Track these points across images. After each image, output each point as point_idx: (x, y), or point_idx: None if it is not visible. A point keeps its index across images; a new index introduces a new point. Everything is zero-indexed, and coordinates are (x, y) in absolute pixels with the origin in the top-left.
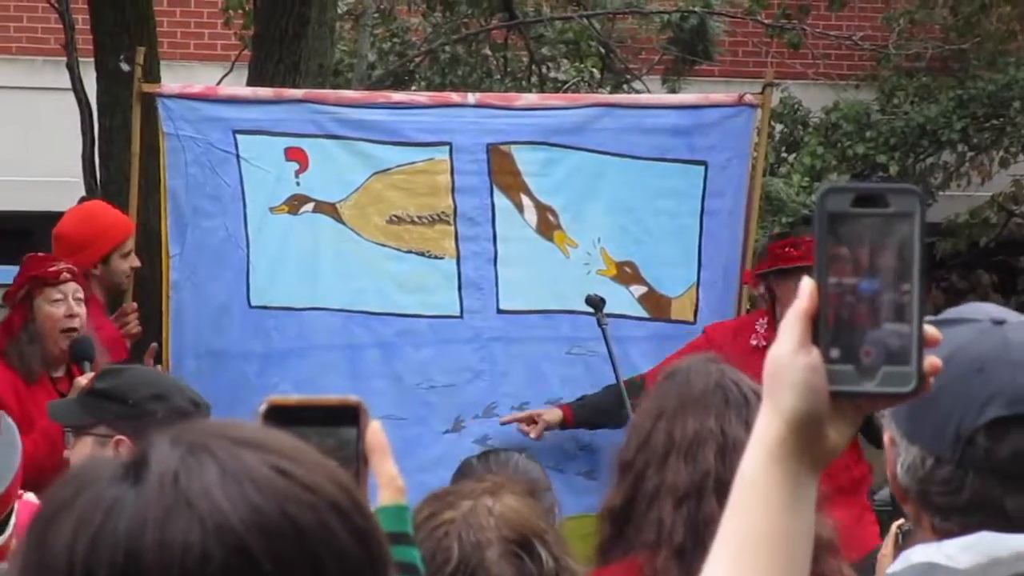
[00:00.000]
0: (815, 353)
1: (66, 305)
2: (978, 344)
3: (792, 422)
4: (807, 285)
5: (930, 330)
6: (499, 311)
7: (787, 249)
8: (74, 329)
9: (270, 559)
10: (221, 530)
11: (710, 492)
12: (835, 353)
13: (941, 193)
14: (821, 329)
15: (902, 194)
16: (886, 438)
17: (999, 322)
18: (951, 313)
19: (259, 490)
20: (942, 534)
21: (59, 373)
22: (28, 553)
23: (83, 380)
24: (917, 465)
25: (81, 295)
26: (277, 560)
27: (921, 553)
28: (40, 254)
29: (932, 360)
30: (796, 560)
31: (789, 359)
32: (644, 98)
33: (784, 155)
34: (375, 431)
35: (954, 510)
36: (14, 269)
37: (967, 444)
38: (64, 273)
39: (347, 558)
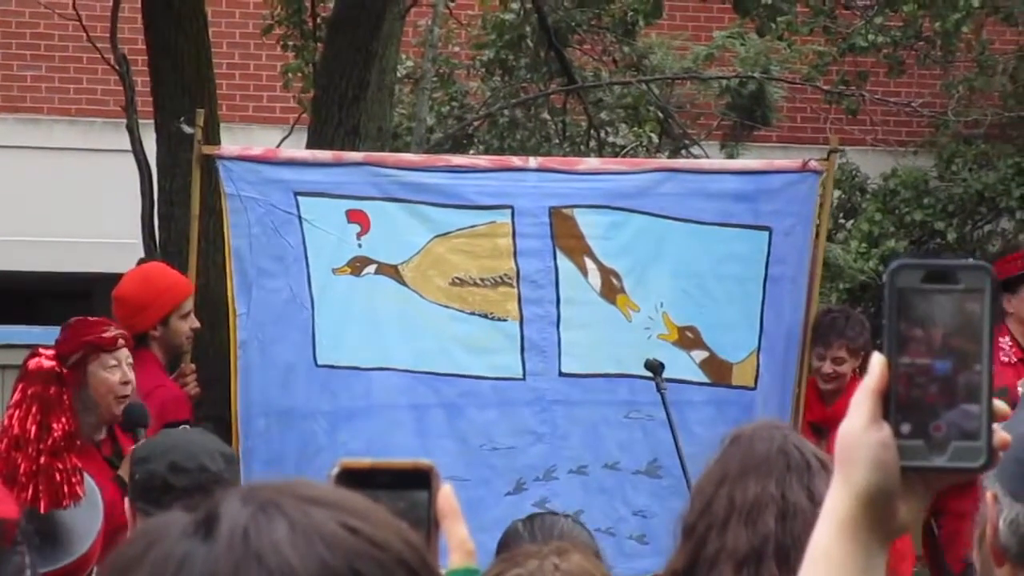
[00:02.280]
0: (886, 429)
1: (120, 372)
2: None
3: (863, 496)
4: (878, 362)
5: (999, 405)
6: (561, 374)
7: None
8: (127, 396)
9: (408, 547)
10: (344, 517)
11: (770, 557)
12: (906, 429)
13: (998, 259)
14: (892, 405)
15: (972, 271)
16: (988, 496)
17: None
18: None
19: (328, 546)
20: None
21: (101, 436)
22: None
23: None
24: (1016, 527)
25: (131, 361)
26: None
27: None
28: (90, 318)
29: (1002, 435)
30: None
31: (861, 435)
32: (707, 163)
33: (842, 221)
34: (447, 495)
35: None
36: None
37: None
38: (119, 339)
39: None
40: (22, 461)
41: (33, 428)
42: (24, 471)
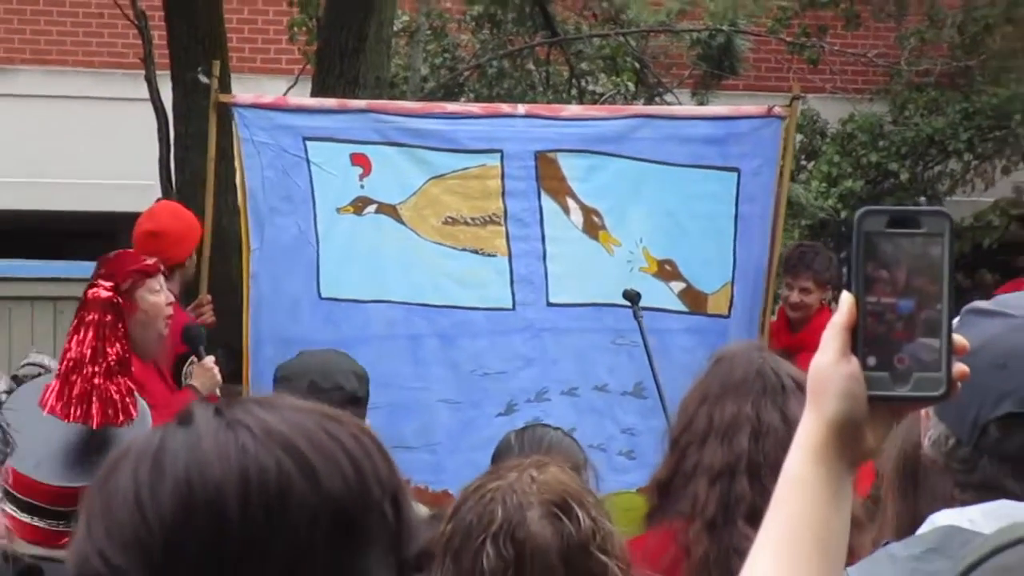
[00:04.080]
0: (854, 362)
1: (164, 294)
2: (1006, 340)
3: (834, 424)
4: (846, 300)
5: (958, 339)
6: (548, 304)
7: None
8: (171, 316)
9: (325, 468)
10: (271, 434)
11: (742, 472)
12: (872, 362)
13: (948, 198)
14: (859, 341)
15: (933, 216)
16: (922, 414)
17: None
18: (992, 304)
19: (297, 411)
20: (961, 503)
21: (156, 355)
22: (91, 504)
23: (211, 361)
24: (942, 441)
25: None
26: (332, 470)
27: (944, 517)
28: (124, 251)
29: (960, 367)
30: (833, 549)
31: (831, 368)
32: (679, 109)
33: (804, 163)
34: None
35: (969, 486)
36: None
37: (982, 432)
38: (159, 266)
39: (377, 470)
40: (78, 382)
41: (89, 352)
42: (79, 391)
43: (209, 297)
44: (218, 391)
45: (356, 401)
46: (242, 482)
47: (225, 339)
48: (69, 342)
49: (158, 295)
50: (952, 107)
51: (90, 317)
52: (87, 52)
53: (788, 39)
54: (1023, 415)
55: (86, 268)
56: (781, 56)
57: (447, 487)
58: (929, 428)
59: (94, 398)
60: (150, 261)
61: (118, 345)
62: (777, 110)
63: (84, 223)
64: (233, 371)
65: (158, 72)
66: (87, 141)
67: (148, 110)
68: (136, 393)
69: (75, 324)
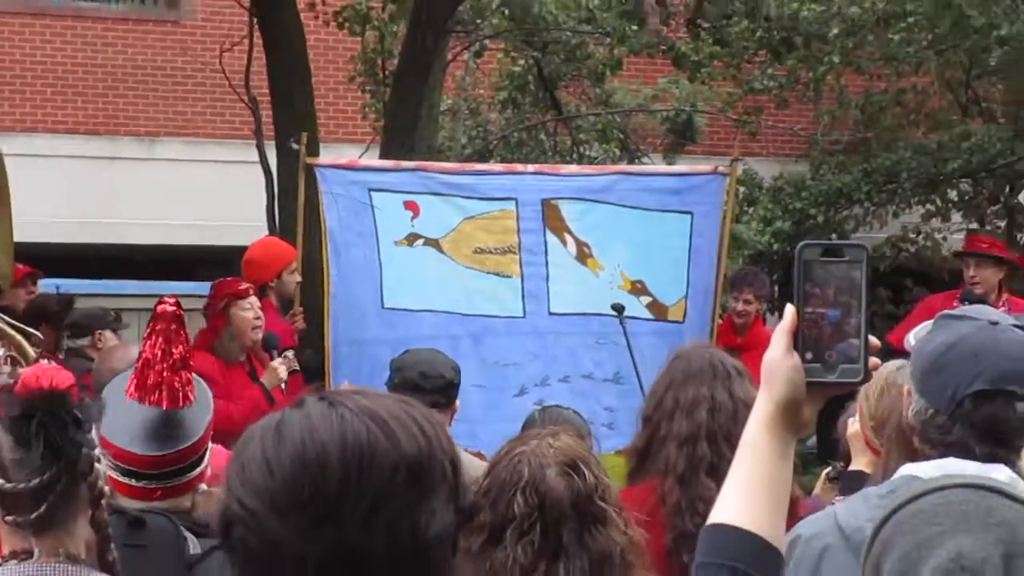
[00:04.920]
0: (796, 357)
1: (253, 312)
2: (976, 336)
3: (781, 403)
4: (789, 311)
5: (872, 340)
6: (550, 313)
7: (981, 245)
8: (259, 328)
9: (403, 435)
10: (362, 410)
11: (702, 439)
12: (809, 356)
13: (853, 235)
14: (799, 341)
15: (854, 248)
16: (904, 390)
17: (994, 323)
18: (961, 311)
19: (380, 396)
20: (926, 458)
21: (242, 358)
22: (231, 467)
23: (278, 362)
24: (922, 412)
25: (260, 304)
26: (408, 437)
27: (908, 468)
28: (228, 279)
29: (873, 360)
30: (781, 495)
31: (779, 361)
32: (649, 168)
33: (745, 208)
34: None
35: (941, 446)
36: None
37: (958, 405)
38: (250, 290)
39: (440, 439)
40: (151, 376)
41: (158, 352)
42: (152, 382)
43: (301, 308)
44: (282, 385)
45: (453, 386)
46: (341, 442)
47: (314, 341)
48: (144, 345)
49: (247, 312)
50: (855, 168)
51: (159, 326)
52: (213, 126)
53: (734, 117)
54: (991, 391)
55: (208, 288)
56: (729, 129)
57: (481, 449)
58: (911, 403)
59: (163, 387)
60: (243, 286)
61: (180, 347)
62: (721, 169)
63: (208, 254)
64: (319, 364)
65: (265, 141)
66: (212, 193)
67: (257, 169)
68: (201, 382)
69: (148, 331)
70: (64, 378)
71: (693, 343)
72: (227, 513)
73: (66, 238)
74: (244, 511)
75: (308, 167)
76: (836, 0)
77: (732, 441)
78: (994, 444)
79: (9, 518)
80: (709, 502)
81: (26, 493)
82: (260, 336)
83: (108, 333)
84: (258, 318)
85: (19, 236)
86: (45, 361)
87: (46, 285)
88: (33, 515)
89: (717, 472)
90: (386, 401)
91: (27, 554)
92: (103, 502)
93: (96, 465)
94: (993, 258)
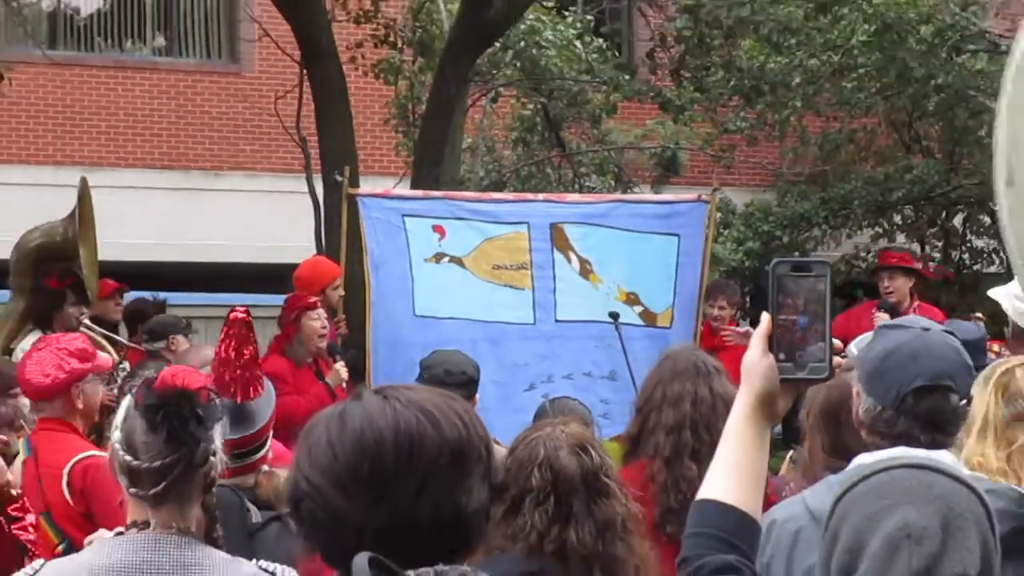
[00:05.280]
0: (771, 357)
1: (320, 322)
2: (913, 342)
3: (759, 397)
4: (765, 318)
5: (836, 342)
6: (556, 321)
7: (892, 259)
8: (325, 336)
9: (446, 424)
10: (412, 402)
11: (686, 428)
12: (782, 356)
13: (813, 254)
14: (774, 344)
15: (819, 264)
16: (854, 391)
17: (926, 329)
18: (898, 321)
19: (427, 391)
20: (877, 448)
21: (310, 361)
22: (299, 449)
23: (339, 365)
24: (871, 409)
25: (326, 316)
26: (450, 425)
27: (863, 458)
28: (299, 293)
29: (837, 359)
30: (759, 475)
31: (757, 361)
32: (642, 197)
33: (721, 231)
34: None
35: (890, 437)
36: (276, 297)
37: (901, 400)
38: (318, 303)
39: (476, 427)
40: (227, 374)
41: (231, 353)
42: (229, 378)
43: (343, 317)
44: (343, 383)
45: (473, 381)
46: (395, 430)
47: (357, 344)
48: (219, 347)
49: (315, 322)
50: (815, 196)
51: (231, 331)
52: (268, 162)
53: (711, 153)
54: (929, 387)
55: (265, 299)
56: (707, 163)
57: (495, 436)
58: (860, 402)
59: (236, 383)
60: (312, 300)
61: (250, 348)
62: (703, 197)
63: (264, 271)
64: (362, 363)
65: (313, 174)
66: (267, 219)
67: (306, 199)
68: (266, 379)
69: (222, 335)
70: (196, 380)
71: (680, 345)
72: (296, 489)
73: (144, 257)
74: (311, 487)
75: (350, 196)
76: (798, 54)
77: (711, 429)
78: (934, 431)
79: (133, 490)
80: (691, 482)
81: (148, 471)
82: (325, 343)
83: (180, 337)
84: (324, 327)
85: (104, 256)
86: (126, 365)
87: (128, 298)
88: (152, 491)
89: (698, 456)
90: (431, 395)
91: (145, 524)
92: (214, 489)
93: (211, 458)
94: (903, 269)
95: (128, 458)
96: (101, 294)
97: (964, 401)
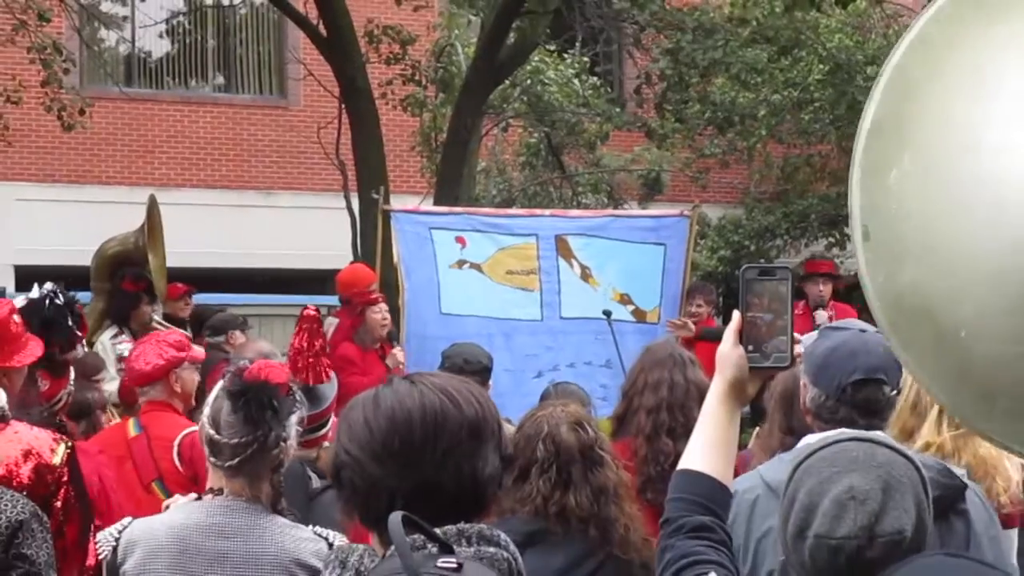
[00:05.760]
0: (741, 349)
1: (381, 314)
2: (852, 341)
3: (730, 383)
4: (736, 316)
5: (797, 336)
6: (561, 318)
7: (825, 268)
8: (387, 326)
9: (465, 404)
10: (436, 386)
11: (664, 409)
12: (751, 348)
13: (776, 260)
14: (744, 337)
15: (783, 270)
16: (801, 382)
17: (863, 331)
18: (838, 323)
19: (449, 377)
20: (821, 431)
21: (375, 347)
22: (340, 427)
23: (397, 350)
24: (816, 398)
25: (387, 309)
26: (468, 405)
27: (809, 438)
28: (362, 289)
29: (798, 349)
30: (731, 449)
31: (729, 352)
32: (633, 212)
33: (698, 240)
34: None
35: (832, 422)
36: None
37: (842, 391)
38: (380, 298)
39: (490, 407)
40: (300, 362)
41: (305, 344)
42: (302, 366)
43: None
44: (401, 366)
45: (488, 370)
46: (421, 409)
47: (393, 337)
48: (293, 339)
49: (377, 315)
50: (778, 211)
51: (303, 325)
52: (312, 183)
53: (690, 174)
54: (865, 379)
55: (310, 299)
56: (686, 183)
57: (508, 415)
58: (807, 392)
59: (308, 370)
60: (374, 295)
61: (320, 340)
62: (685, 213)
63: (308, 275)
64: None
65: (351, 193)
66: (312, 231)
67: (345, 214)
68: (330, 366)
69: (297, 329)
70: (279, 375)
71: (659, 340)
72: (337, 460)
73: (207, 263)
74: (350, 458)
75: (384, 212)
76: (763, 90)
77: (685, 411)
78: (870, 417)
79: (212, 459)
80: (668, 455)
81: (227, 446)
82: (387, 332)
83: (237, 333)
84: (385, 319)
85: (171, 263)
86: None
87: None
88: (227, 463)
89: (674, 434)
90: (451, 380)
91: (220, 492)
92: (281, 469)
93: (282, 443)
94: (831, 276)
95: (212, 432)
96: (171, 295)
97: (895, 391)
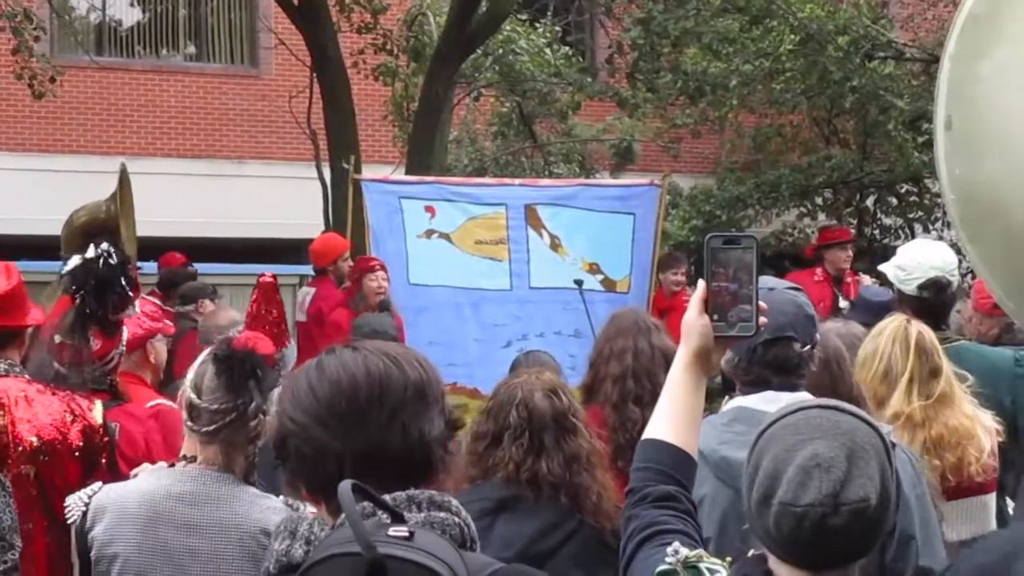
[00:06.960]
0: (706, 318)
1: (377, 283)
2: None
3: (696, 352)
4: (701, 285)
5: (762, 305)
6: (530, 287)
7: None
8: (382, 294)
9: (408, 367)
10: (379, 350)
11: (630, 377)
12: (716, 317)
13: (747, 229)
14: (709, 307)
15: (748, 238)
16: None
17: (771, 289)
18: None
19: (388, 343)
20: (742, 394)
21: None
22: (284, 393)
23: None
24: (730, 360)
25: (386, 276)
26: (412, 368)
27: (734, 402)
28: (362, 256)
29: (763, 320)
30: (695, 418)
31: (694, 321)
32: (603, 181)
33: (670, 211)
34: None
35: (746, 384)
36: (289, 267)
37: (752, 351)
38: (378, 267)
39: (432, 370)
40: (256, 327)
41: (260, 310)
42: (257, 331)
43: (349, 284)
44: None
45: (395, 340)
46: (366, 371)
47: None
48: (250, 306)
49: (373, 282)
50: (749, 181)
51: (258, 293)
52: (284, 152)
53: (662, 144)
54: (772, 339)
55: (280, 268)
56: (658, 153)
57: (477, 385)
58: (724, 355)
59: (267, 335)
60: (373, 263)
61: (276, 307)
62: (655, 182)
63: (281, 245)
64: None
65: (322, 163)
66: (283, 200)
67: (316, 183)
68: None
69: (253, 296)
70: (266, 347)
71: (624, 308)
72: (282, 430)
73: (178, 233)
74: (295, 425)
75: (355, 181)
76: (734, 60)
77: (651, 378)
78: (784, 375)
79: (190, 424)
80: (635, 423)
81: (206, 411)
82: (382, 299)
83: (207, 302)
84: (380, 287)
85: (142, 232)
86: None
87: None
88: (203, 428)
89: (641, 402)
90: (394, 346)
91: (193, 459)
92: (258, 442)
93: (261, 415)
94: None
95: (192, 395)
96: (171, 266)
97: (807, 347)
